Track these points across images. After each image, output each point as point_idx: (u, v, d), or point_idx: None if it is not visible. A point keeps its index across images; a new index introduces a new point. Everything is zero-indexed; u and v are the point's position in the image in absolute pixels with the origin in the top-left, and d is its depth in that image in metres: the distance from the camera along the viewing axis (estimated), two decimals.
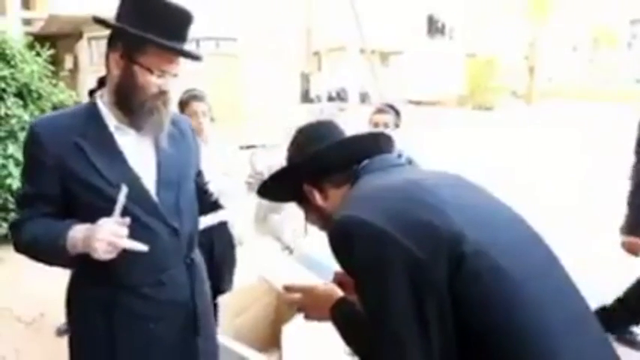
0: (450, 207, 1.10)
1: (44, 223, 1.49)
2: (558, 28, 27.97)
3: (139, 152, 1.57)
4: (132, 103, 1.51)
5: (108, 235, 1.35)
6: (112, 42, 1.52)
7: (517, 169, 9.49)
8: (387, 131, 2.89)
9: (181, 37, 1.53)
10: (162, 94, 1.53)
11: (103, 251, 1.36)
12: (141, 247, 1.40)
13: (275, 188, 1.48)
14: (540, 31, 27.77)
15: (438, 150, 9.45)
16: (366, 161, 1.35)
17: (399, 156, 2.89)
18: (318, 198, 1.37)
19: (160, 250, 1.56)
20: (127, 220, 1.38)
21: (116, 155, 1.53)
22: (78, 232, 1.41)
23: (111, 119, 1.55)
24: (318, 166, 1.35)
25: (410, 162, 2.91)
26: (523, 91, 29.89)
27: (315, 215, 1.42)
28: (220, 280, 3.09)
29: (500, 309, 1.00)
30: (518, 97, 29.95)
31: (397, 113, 3.18)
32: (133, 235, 1.41)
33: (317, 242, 1.59)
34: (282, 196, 1.52)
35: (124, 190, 1.39)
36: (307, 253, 1.75)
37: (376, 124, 3.08)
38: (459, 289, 1.01)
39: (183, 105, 2.99)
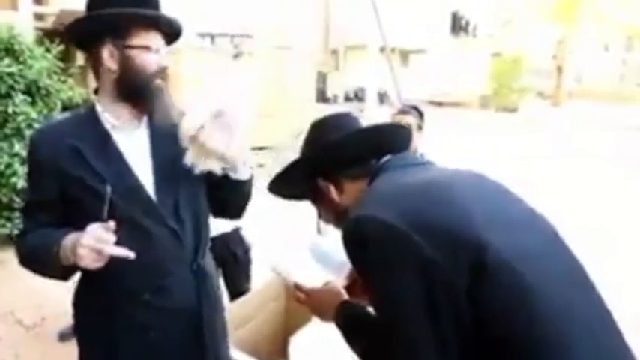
0: (473, 210, 1.08)
1: (43, 233, 1.49)
2: (589, 26, 27.61)
3: (136, 152, 1.56)
4: (137, 88, 1.51)
5: (92, 242, 1.31)
6: (94, 41, 1.52)
7: (540, 176, 9.37)
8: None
9: (155, 6, 1.56)
10: (163, 70, 1.55)
11: (88, 259, 1.32)
12: (128, 253, 1.34)
13: (287, 184, 1.45)
14: (570, 29, 27.46)
15: (460, 153, 9.38)
16: (387, 157, 1.33)
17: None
18: (333, 192, 1.35)
19: (160, 254, 1.55)
20: (112, 224, 1.32)
21: (114, 155, 1.53)
22: (69, 240, 1.39)
23: (108, 120, 1.55)
24: (335, 157, 1.33)
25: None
26: (550, 91, 29.63)
27: (330, 211, 1.40)
28: (238, 284, 3.14)
29: (520, 321, 0.98)
30: (545, 98, 29.71)
31: (420, 115, 3.14)
32: (129, 237, 1.39)
33: (332, 238, 1.57)
34: (294, 191, 1.48)
35: (108, 191, 1.38)
36: (322, 248, 1.73)
37: None
38: (478, 297, 0.99)
39: None
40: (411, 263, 1.03)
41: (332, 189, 1.35)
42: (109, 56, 1.51)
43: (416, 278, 1.02)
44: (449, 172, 1.27)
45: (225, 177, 1.56)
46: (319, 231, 1.71)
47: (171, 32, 1.61)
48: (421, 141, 3.04)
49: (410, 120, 2.99)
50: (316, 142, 1.38)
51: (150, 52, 1.51)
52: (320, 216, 1.49)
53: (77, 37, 1.58)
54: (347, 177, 1.34)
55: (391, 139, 1.38)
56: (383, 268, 1.08)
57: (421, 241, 1.02)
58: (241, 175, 1.58)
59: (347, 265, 1.48)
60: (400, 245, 1.05)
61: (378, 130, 1.38)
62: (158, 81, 1.53)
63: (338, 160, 1.33)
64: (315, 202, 1.45)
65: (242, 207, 1.77)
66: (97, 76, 1.57)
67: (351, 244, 1.15)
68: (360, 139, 1.34)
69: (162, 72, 1.54)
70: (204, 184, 1.70)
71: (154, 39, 1.53)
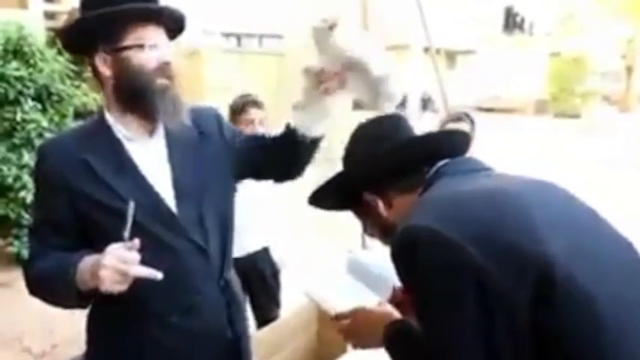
0: (537, 219, 1.06)
1: (55, 257, 1.48)
2: None
3: (152, 163, 1.58)
4: (138, 91, 1.51)
5: (115, 262, 1.30)
6: (89, 50, 1.54)
7: (607, 186, 9.15)
8: None
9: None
10: (166, 65, 1.54)
11: (110, 281, 1.30)
12: (155, 274, 1.34)
13: (329, 197, 1.44)
14: None
15: (513, 165, 9.23)
16: (442, 162, 1.30)
17: None
18: (380, 207, 1.33)
19: (186, 272, 1.56)
20: (136, 242, 1.31)
21: (128, 167, 1.54)
22: (88, 262, 1.38)
23: (120, 130, 1.56)
24: (382, 171, 1.31)
25: None
26: (618, 96, 29.05)
27: (376, 226, 1.39)
28: (267, 309, 3.16)
29: (588, 334, 0.97)
30: (612, 103, 29.13)
31: (472, 122, 3.12)
32: (152, 255, 1.39)
33: (375, 253, 1.57)
34: (337, 204, 1.47)
35: (132, 206, 1.35)
36: (362, 264, 1.73)
37: None
38: (541, 316, 0.98)
39: (237, 111, 2.98)
40: (467, 280, 1.02)
41: (379, 203, 1.33)
42: (102, 63, 1.52)
43: (467, 289, 1.01)
44: (515, 180, 1.25)
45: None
46: (364, 246, 1.70)
47: (175, 26, 1.62)
48: (473, 150, 3.01)
49: (464, 128, 2.96)
50: (360, 153, 1.37)
51: (146, 48, 1.51)
52: (365, 230, 1.48)
53: (71, 45, 1.62)
54: (396, 190, 1.32)
55: (446, 149, 1.34)
56: (433, 283, 1.07)
57: (474, 251, 1.01)
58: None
59: (390, 282, 1.47)
60: (450, 254, 1.04)
61: (431, 138, 1.35)
62: (161, 80, 1.53)
63: (385, 173, 1.31)
64: (360, 215, 1.44)
65: (306, 165, 1.83)
66: (102, 86, 1.58)
67: (399, 255, 1.14)
68: (410, 150, 1.32)
69: (164, 69, 1.54)
70: (232, 187, 1.77)
71: (153, 34, 1.53)
